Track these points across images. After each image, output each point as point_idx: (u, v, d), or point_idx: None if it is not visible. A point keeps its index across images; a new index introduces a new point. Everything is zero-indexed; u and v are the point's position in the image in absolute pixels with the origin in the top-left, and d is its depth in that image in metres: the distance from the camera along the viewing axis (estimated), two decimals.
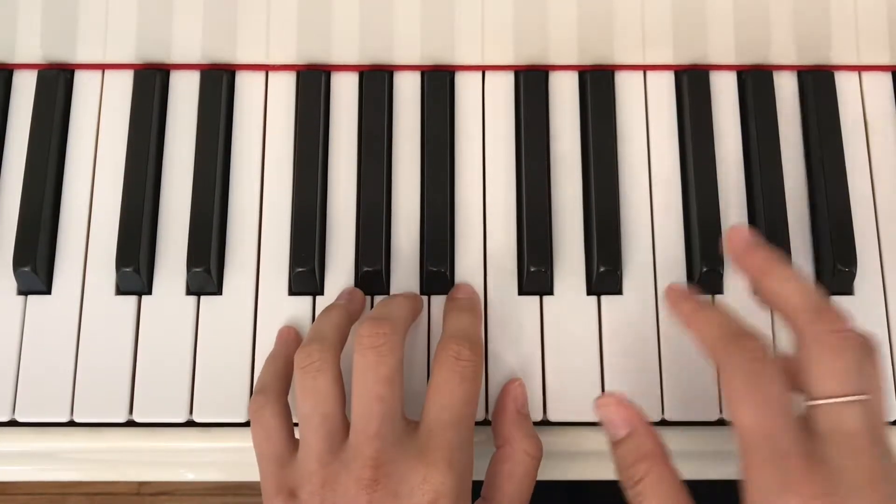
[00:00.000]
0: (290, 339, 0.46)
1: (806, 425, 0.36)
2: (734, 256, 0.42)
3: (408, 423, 0.41)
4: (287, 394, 0.44)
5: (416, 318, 0.45)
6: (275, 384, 0.43)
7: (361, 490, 0.38)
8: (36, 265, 0.46)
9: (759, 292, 0.41)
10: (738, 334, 0.38)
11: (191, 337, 0.47)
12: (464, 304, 0.45)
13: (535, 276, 0.47)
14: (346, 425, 0.40)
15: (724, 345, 0.38)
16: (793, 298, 0.39)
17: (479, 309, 0.46)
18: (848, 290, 0.48)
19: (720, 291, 0.48)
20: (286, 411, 0.43)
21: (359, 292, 0.47)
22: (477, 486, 0.42)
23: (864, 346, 0.38)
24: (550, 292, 0.48)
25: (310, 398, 0.41)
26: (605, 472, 0.44)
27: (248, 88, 0.51)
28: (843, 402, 0.36)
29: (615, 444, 0.40)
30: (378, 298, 0.47)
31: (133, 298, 0.47)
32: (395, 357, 0.40)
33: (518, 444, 0.43)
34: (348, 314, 0.45)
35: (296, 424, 0.43)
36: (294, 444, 0.42)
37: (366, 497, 0.38)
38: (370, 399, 0.40)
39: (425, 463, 0.38)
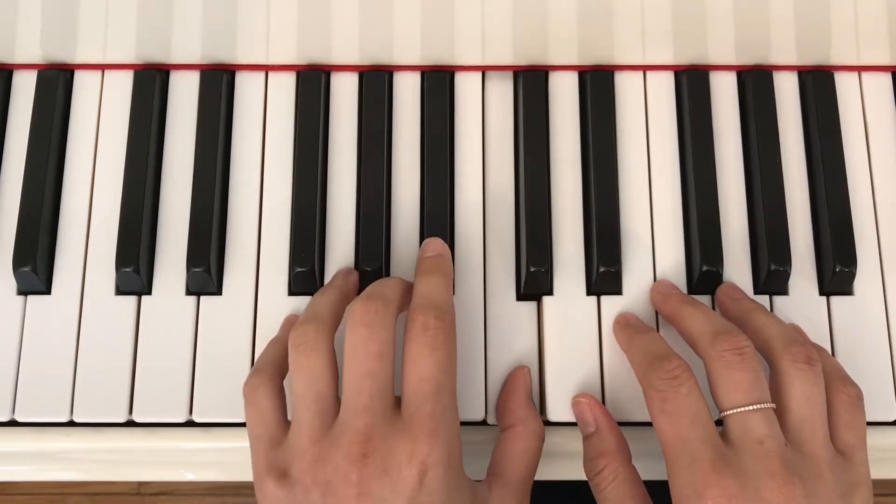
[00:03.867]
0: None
1: (724, 435, 0.40)
2: (655, 306, 0.47)
3: (397, 400, 0.41)
4: (283, 377, 0.44)
5: (408, 303, 0.44)
6: (271, 366, 0.43)
7: (352, 465, 0.38)
8: (36, 265, 0.46)
9: (679, 332, 0.45)
10: (660, 357, 0.42)
11: (191, 337, 0.47)
12: (430, 265, 0.44)
13: (535, 276, 0.47)
14: (338, 404, 0.41)
15: (646, 368, 0.42)
16: (695, 328, 0.43)
17: (446, 268, 0.45)
18: (848, 290, 0.48)
19: None
20: (280, 393, 0.43)
21: (354, 272, 0.47)
22: None
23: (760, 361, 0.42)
24: (550, 292, 0.48)
25: (303, 376, 0.41)
26: None
27: (248, 88, 0.51)
28: (747, 411, 0.39)
29: (584, 439, 0.44)
30: (384, 278, 0.47)
31: (133, 298, 0.47)
32: (386, 333, 0.40)
33: (531, 424, 0.44)
34: (343, 294, 0.45)
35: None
36: (287, 425, 0.42)
37: (356, 473, 0.38)
38: (360, 375, 0.40)
39: (410, 437, 0.38)
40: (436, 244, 0.46)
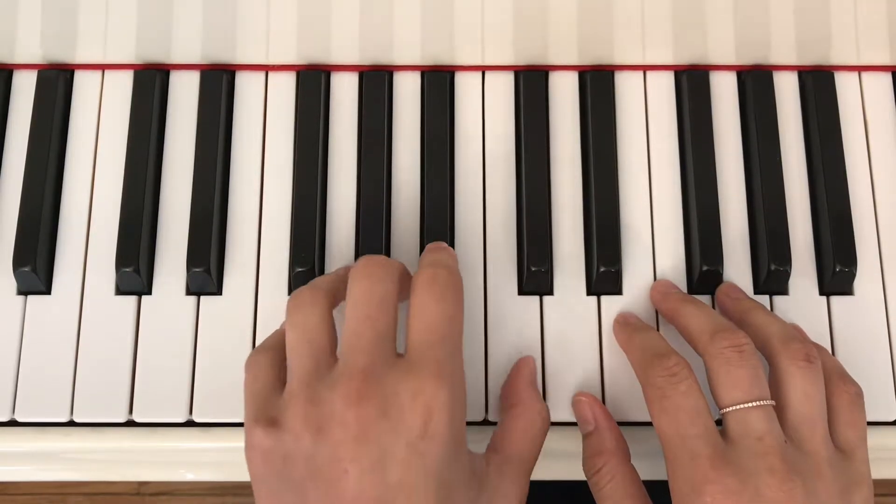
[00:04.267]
0: None
1: (723, 433, 0.40)
2: (655, 305, 0.47)
3: (399, 355, 0.39)
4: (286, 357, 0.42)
5: (407, 289, 0.42)
6: (276, 342, 0.42)
7: (348, 406, 0.35)
8: (36, 265, 0.46)
9: (678, 330, 0.45)
10: (659, 354, 0.42)
11: (191, 337, 0.47)
12: (437, 244, 0.45)
13: (535, 275, 0.47)
14: (334, 356, 0.38)
15: (646, 366, 0.42)
16: (694, 326, 0.43)
17: (452, 251, 0.44)
18: (848, 290, 0.48)
19: None
20: (281, 363, 0.41)
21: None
22: None
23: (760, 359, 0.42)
24: (550, 292, 0.48)
25: (298, 328, 0.39)
26: None
27: (248, 88, 0.51)
28: (746, 408, 0.39)
29: (583, 437, 0.45)
30: None
31: (133, 298, 0.47)
32: (390, 282, 0.39)
33: (534, 404, 0.43)
34: (344, 280, 0.43)
35: None
36: (283, 386, 0.39)
37: (352, 413, 0.35)
38: (361, 318, 0.38)
39: (415, 376, 0.36)
40: (440, 243, 0.46)
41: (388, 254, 0.48)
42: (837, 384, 0.42)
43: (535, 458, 0.43)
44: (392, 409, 0.36)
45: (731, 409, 0.40)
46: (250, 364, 0.41)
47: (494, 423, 0.46)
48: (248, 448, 0.38)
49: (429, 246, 0.45)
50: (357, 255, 0.48)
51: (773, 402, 0.40)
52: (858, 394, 0.42)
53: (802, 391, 0.40)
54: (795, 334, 0.42)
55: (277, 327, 0.47)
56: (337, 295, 0.42)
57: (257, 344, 0.47)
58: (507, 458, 0.41)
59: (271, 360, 0.41)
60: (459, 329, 0.40)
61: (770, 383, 0.41)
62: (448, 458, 0.37)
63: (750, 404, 0.39)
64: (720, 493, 0.38)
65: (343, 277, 0.43)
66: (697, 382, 0.41)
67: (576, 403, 0.45)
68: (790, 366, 0.41)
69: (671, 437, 0.40)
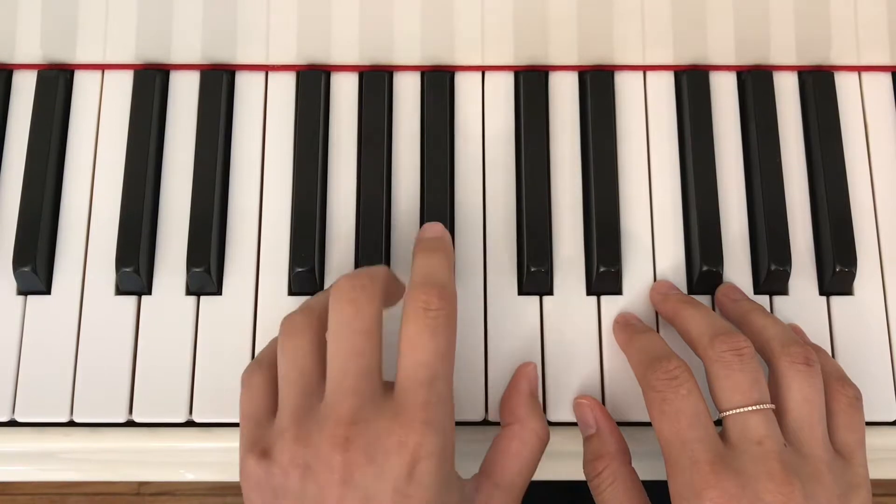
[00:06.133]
0: None
1: (723, 436, 0.40)
2: (655, 306, 0.47)
3: (386, 383, 0.39)
4: None
5: (396, 294, 0.43)
6: (271, 359, 0.42)
7: (335, 449, 0.36)
8: (36, 265, 0.46)
9: (678, 332, 0.45)
10: (659, 357, 0.41)
11: (191, 337, 0.47)
12: (431, 243, 0.42)
13: (535, 276, 0.47)
14: (324, 384, 0.39)
15: (646, 369, 0.42)
16: (693, 329, 0.43)
17: (448, 248, 0.43)
18: (848, 290, 0.48)
19: None
20: (274, 380, 0.41)
21: None
22: None
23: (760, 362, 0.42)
24: (550, 292, 0.48)
25: (288, 356, 0.39)
26: None
27: (248, 88, 0.51)
28: (746, 412, 0.39)
29: (584, 440, 0.45)
30: None
31: (133, 298, 0.47)
32: (373, 308, 0.38)
33: (529, 423, 0.42)
34: None
35: None
36: (275, 409, 0.40)
37: (339, 457, 0.36)
38: (347, 354, 0.38)
39: (401, 423, 0.36)
40: (435, 227, 0.44)
41: (387, 254, 0.48)
42: (836, 387, 0.42)
43: (528, 481, 0.42)
44: (378, 454, 0.36)
45: (730, 412, 0.40)
46: (246, 382, 0.42)
47: (494, 424, 0.46)
48: (242, 475, 0.39)
49: (423, 232, 0.44)
50: (357, 254, 0.48)
51: (772, 406, 0.40)
52: (857, 397, 0.42)
53: (802, 395, 0.40)
54: (795, 337, 0.42)
55: (276, 332, 0.47)
56: None
57: (257, 342, 0.47)
58: (497, 485, 0.41)
59: (265, 381, 0.41)
60: (451, 362, 0.39)
61: (769, 386, 0.41)
62: (435, 500, 0.37)
63: (749, 408, 0.39)
64: (720, 497, 0.38)
65: None
66: (697, 386, 0.41)
67: (577, 406, 0.45)
68: (789, 369, 0.41)
69: (671, 440, 0.40)
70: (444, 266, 0.41)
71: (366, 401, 0.37)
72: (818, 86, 0.51)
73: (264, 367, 0.42)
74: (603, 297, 0.48)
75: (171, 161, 0.50)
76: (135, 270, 0.46)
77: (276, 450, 0.38)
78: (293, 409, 0.38)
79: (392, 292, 0.42)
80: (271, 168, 0.49)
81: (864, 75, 0.51)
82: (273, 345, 0.44)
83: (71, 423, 0.46)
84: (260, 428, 0.40)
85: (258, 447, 0.38)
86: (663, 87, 0.51)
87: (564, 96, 0.51)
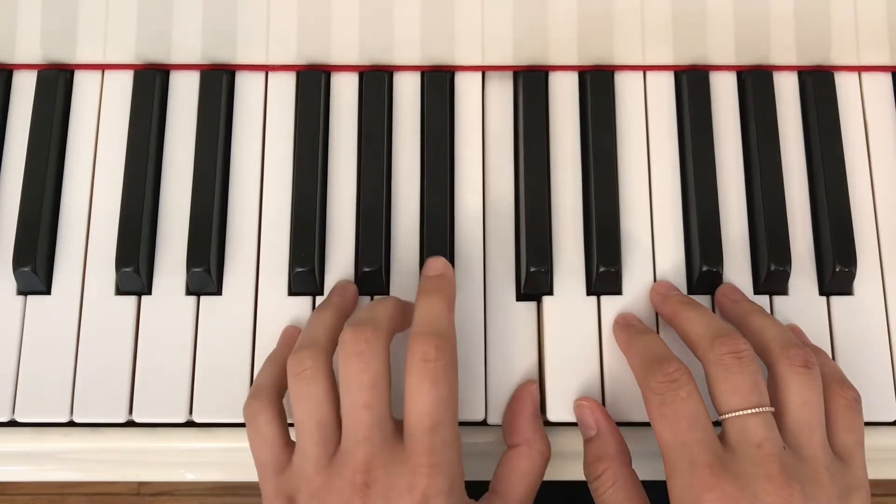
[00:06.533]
0: (293, 341, 0.46)
1: (722, 439, 0.40)
2: (655, 307, 0.47)
3: (396, 424, 0.41)
4: (282, 397, 0.44)
5: (404, 322, 0.44)
6: (269, 388, 0.44)
7: (355, 493, 0.39)
8: (36, 265, 0.46)
9: (678, 334, 0.45)
10: (659, 359, 0.42)
11: (191, 337, 0.47)
12: (432, 285, 0.44)
13: (535, 276, 0.47)
14: (339, 429, 0.41)
15: (645, 370, 0.42)
16: (693, 331, 0.43)
17: (448, 289, 0.44)
18: (848, 290, 0.48)
19: None
20: (281, 416, 0.43)
21: (351, 286, 0.47)
22: (473, 485, 0.42)
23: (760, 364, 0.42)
24: (550, 292, 0.48)
25: (304, 405, 0.41)
26: None
27: (248, 88, 0.51)
28: (745, 415, 0.40)
29: (585, 441, 0.45)
30: (378, 299, 0.47)
31: (133, 298, 0.47)
32: (378, 361, 0.40)
33: (537, 445, 0.44)
34: (340, 312, 0.45)
35: (291, 425, 0.43)
36: (290, 448, 0.42)
37: (359, 500, 0.39)
38: (357, 407, 0.40)
39: (410, 469, 0.39)
40: (438, 263, 0.46)
41: (387, 254, 0.48)
42: (836, 389, 0.42)
43: (534, 497, 0.44)
44: (393, 495, 0.39)
45: (730, 415, 0.40)
46: (252, 422, 0.43)
47: (494, 425, 0.46)
48: None
49: (426, 270, 0.45)
50: (357, 255, 0.48)
51: (771, 409, 0.40)
52: (856, 399, 0.42)
53: (801, 397, 0.40)
54: (794, 339, 0.42)
55: (276, 332, 0.47)
56: (337, 337, 0.43)
57: (257, 342, 0.47)
58: (508, 502, 0.43)
59: (273, 418, 0.43)
60: (454, 406, 0.41)
61: (769, 388, 0.41)
62: None
63: (749, 411, 0.39)
64: (719, 499, 0.38)
65: (343, 310, 0.45)
66: (697, 388, 0.41)
67: (577, 408, 0.45)
68: (789, 371, 0.41)
69: (670, 443, 0.40)
70: (442, 311, 0.43)
71: (378, 447, 0.40)
72: (818, 86, 0.51)
73: (266, 403, 0.43)
74: (603, 298, 0.48)
75: (171, 161, 0.50)
76: (135, 270, 0.46)
77: (303, 497, 0.40)
78: (314, 460, 0.41)
79: (401, 322, 0.44)
80: (271, 168, 0.49)
81: (865, 75, 0.51)
82: (269, 369, 0.45)
83: (71, 424, 0.46)
84: (280, 474, 0.42)
85: (283, 494, 0.41)
86: (663, 87, 0.51)
87: (564, 96, 0.51)
